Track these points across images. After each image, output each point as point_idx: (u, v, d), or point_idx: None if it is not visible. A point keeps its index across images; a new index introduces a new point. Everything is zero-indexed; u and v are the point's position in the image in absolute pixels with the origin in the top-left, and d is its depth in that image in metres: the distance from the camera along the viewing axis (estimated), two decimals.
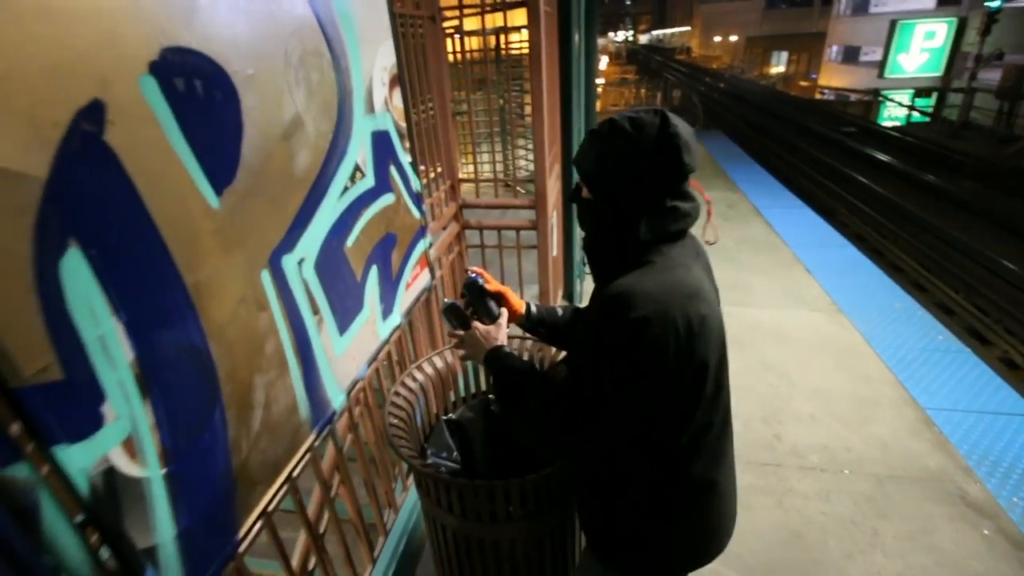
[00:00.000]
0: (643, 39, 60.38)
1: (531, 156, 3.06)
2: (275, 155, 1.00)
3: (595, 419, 0.82)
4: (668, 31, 55.50)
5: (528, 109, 3.81)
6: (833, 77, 22.48)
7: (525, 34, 2.88)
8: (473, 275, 1.14)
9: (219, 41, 0.85)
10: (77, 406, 0.65)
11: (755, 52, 36.52)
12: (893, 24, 16.93)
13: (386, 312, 1.56)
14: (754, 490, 2.13)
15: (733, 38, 41.13)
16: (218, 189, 0.86)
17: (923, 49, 16.85)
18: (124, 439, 0.71)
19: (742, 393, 2.73)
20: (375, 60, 1.42)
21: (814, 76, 26.51)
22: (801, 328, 3.31)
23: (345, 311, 1.30)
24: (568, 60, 2.82)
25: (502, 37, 2.96)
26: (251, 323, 0.96)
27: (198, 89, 0.81)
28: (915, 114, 15.97)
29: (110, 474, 0.69)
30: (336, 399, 1.27)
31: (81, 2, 0.63)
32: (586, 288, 3.74)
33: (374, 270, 1.46)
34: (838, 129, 13.59)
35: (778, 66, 34.27)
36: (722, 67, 37.42)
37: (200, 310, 0.83)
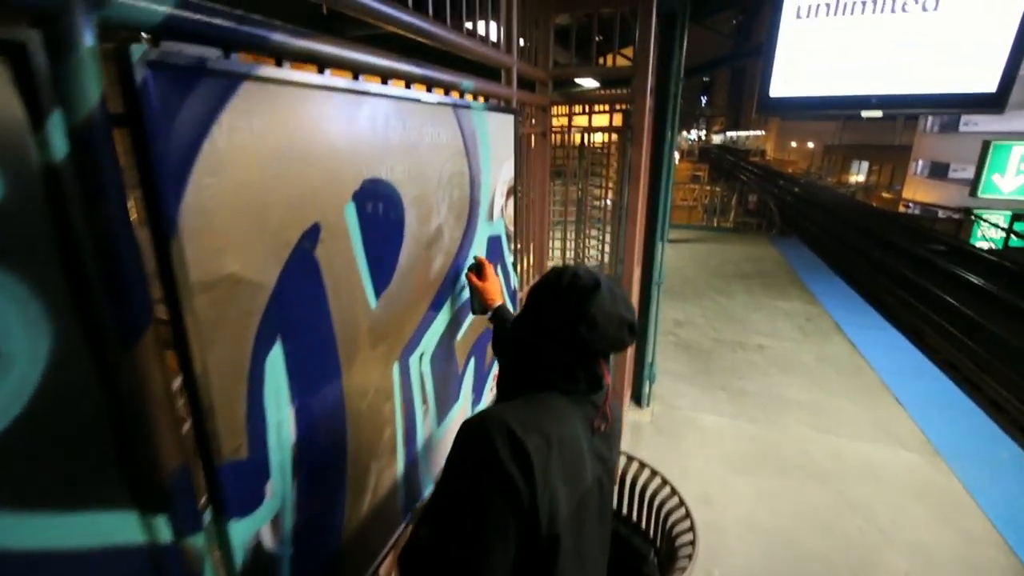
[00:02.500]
0: (716, 139, 62.01)
1: (601, 246, 3.19)
2: (420, 261, 1.14)
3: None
4: (742, 133, 56.78)
5: (602, 203, 3.99)
6: (919, 191, 21.78)
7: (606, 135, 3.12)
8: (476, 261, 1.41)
9: (399, 169, 1.01)
10: (250, 483, 0.73)
11: (833, 160, 36.37)
12: (986, 144, 16.43)
13: (476, 400, 1.62)
14: None
15: (810, 144, 41.40)
16: (378, 292, 0.98)
17: (1020, 171, 16.11)
18: (273, 516, 0.78)
19: (824, 533, 2.50)
20: (500, 175, 1.59)
21: (898, 187, 25.84)
22: (892, 468, 3.02)
23: (446, 401, 1.37)
24: (660, 159, 2.95)
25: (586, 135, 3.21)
26: (378, 412, 1.04)
27: (380, 210, 0.96)
28: (1014, 237, 15.01)
29: (257, 549, 0.76)
30: (426, 488, 1.31)
31: (319, 150, 0.79)
32: (655, 391, 3.65)
33: (472, 362, 1.55)
34: (925, 246, 12.98)
35: (858, 175, 33.79)
36: (797, 172, 37.38)
37: (347, 398, 0.92)
